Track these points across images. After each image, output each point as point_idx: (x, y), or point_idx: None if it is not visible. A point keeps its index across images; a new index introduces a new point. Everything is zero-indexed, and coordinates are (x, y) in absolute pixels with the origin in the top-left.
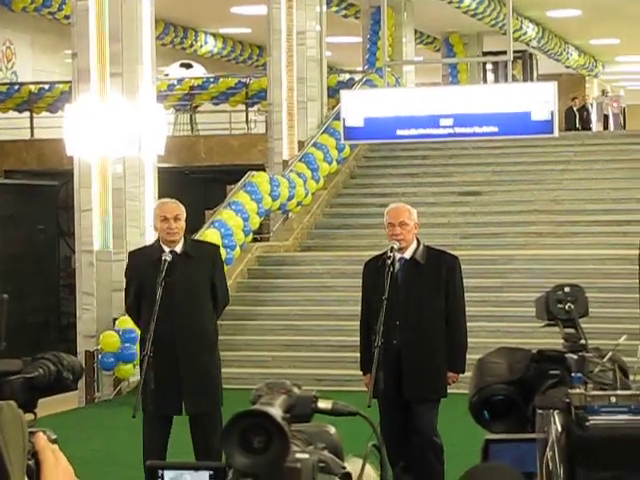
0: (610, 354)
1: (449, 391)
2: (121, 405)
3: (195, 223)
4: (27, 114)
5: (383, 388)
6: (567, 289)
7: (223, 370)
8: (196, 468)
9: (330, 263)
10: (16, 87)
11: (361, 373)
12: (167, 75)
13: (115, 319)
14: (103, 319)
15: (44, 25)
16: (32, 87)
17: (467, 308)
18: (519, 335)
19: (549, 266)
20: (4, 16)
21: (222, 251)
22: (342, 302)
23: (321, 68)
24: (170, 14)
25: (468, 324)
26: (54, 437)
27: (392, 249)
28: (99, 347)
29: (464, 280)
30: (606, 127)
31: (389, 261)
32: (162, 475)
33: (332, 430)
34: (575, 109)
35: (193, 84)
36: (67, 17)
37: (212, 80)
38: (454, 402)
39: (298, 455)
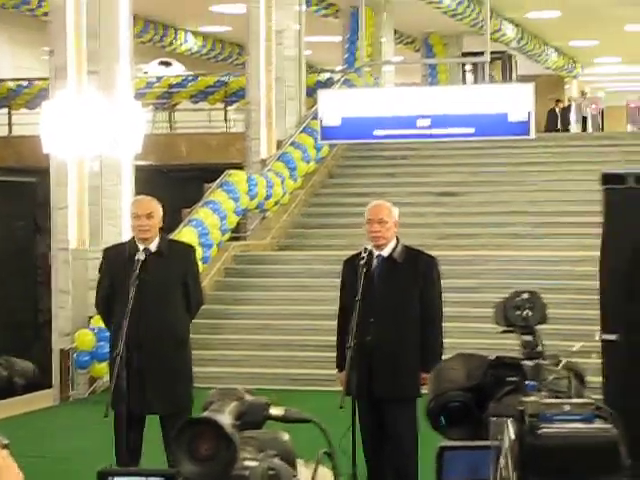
0: (564, 361)
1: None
2: (95, 404)
3: (173, 221)
4: (5, 110)
5: (356, 387)
6: (525, 295)
7: (198, 369)
8: (147, 474)
9: (307, 262)
10: None
11: (334, 372)
12: (146, 73)
13: (90, 317)
14: (78, 317)
15: (23, 21)
16: (11, 84)
17: (443, 308)
18: (494, 336)
19: (525, 267)
20: None
21: (199, 250)
22: (318, 302)
23: (300, 67)
24: (150, 11)
25: (444, 324)
26: (5, 442)
27: (365, 250)
28: (74, 345)
29: (441, 281)
30: (585, 128)
31: (362, 262)
32: None
33: (285, 437)
34: (557, 111)
35: (172, 82)
36: (46, 14)
37: (191, 78)
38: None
39: (247, 463)
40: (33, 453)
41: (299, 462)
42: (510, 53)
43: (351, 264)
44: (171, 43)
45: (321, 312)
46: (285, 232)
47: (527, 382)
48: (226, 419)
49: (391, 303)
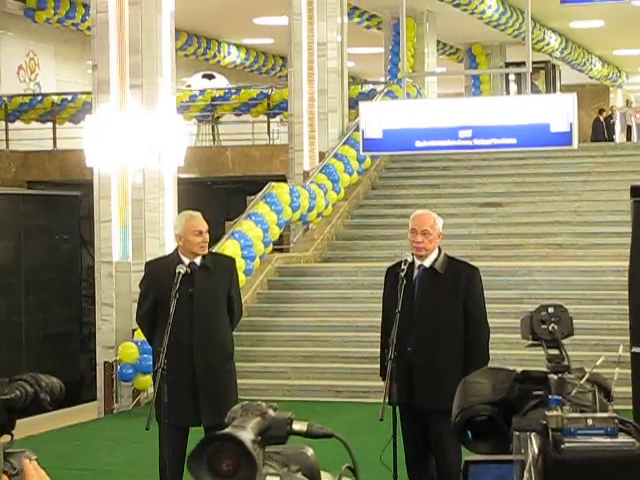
0: (588, 375)
1: None
2: (139, 416)
3: (216, 234)
4: (50, 125)
5: (397, 399)
6: (551, 309)
7: (241, 381)
8: None
9: (350, 274)
10: (39, 98)
11: (380, 384)
12: (189, 86)
13: (134, 330)
14: (122, 330)
15: (67, 36)
16: (55, 98)
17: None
18: (539, 348)
19: (569, 277)
20: (28, 27)
21: (242, 262)
22: (361, 313)
23: (342, 79)
24: (193, 25)
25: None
26: (34, 457)
27: (406, 261)
28: (118, 358)
29: (485, 291)
30: (629, 138)
31: (402, 273)
32: None
33: (309, 452)
34: (602, 119)
35: (215, 95)
36: (90, 28)
37: (234, 91)
38: None
39: (269, 478)
40: (77, 466)
41: (327, 475)
42: (554, 63)
43: (393, 274)
44: (214, 56)
45: (364, 324)
46: (328, 244)
47: (551, 396)
48: (248, 435)
49: (431, 314)
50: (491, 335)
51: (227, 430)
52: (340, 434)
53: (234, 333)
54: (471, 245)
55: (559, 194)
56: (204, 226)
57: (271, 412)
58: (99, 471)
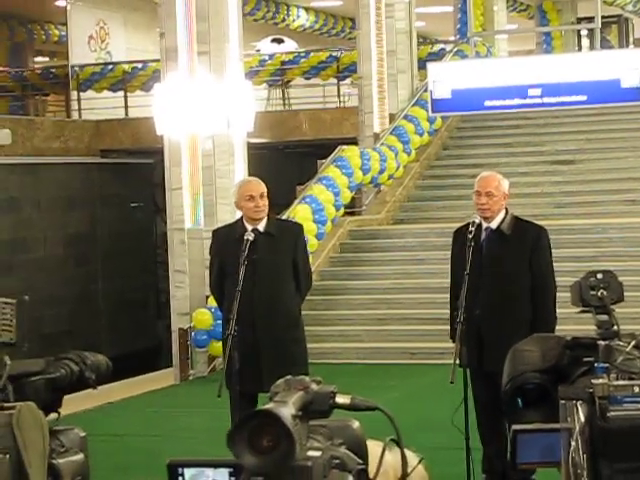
0: (634, 342)
1: None
2: (215, 382)
3: (288, 199)
4: (121, 93)
5: (467, 361)
6: (600, 276)
7: (315, 345)
8: (216, 465)
9: (422, 236)
10: (110, 67)
11: (453, 345)
12: (259, 50)
13: (207, 297)
14: (196, 297)
15: (136, 4)
16: (126, 66)
17: (561, 278)
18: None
19: None
20: None
21: (313, 226)
22: (434, 275)
23: (411, 40)
24: None
25: (561, 295)
26: (83, 435)
27: (473, 223)
28: (192, 325)
29: (558, 250)
30: None
31: (470, 235)
32: (182, 473)
33: (355, 425)
34: None
35: (284, 59)
36: None
37: (303, 55)
38: None
39: (310, 453)
40: (154, 432)
41: (376, 443)
42: (627, 17)
43: (460, 236)
44: (283, 19)
45: (437, 285)
46: (400, 206)
47: (596, 364)
48: (288, 410)
49: (499, 276)
50: (565, 294)
51: (268, 406)
52: (384, 406)
53: (308, 297)
54: (544, 203)
55: (632, 150)
56: (257, 190)
57: (314, 386)
58: (175, 437)
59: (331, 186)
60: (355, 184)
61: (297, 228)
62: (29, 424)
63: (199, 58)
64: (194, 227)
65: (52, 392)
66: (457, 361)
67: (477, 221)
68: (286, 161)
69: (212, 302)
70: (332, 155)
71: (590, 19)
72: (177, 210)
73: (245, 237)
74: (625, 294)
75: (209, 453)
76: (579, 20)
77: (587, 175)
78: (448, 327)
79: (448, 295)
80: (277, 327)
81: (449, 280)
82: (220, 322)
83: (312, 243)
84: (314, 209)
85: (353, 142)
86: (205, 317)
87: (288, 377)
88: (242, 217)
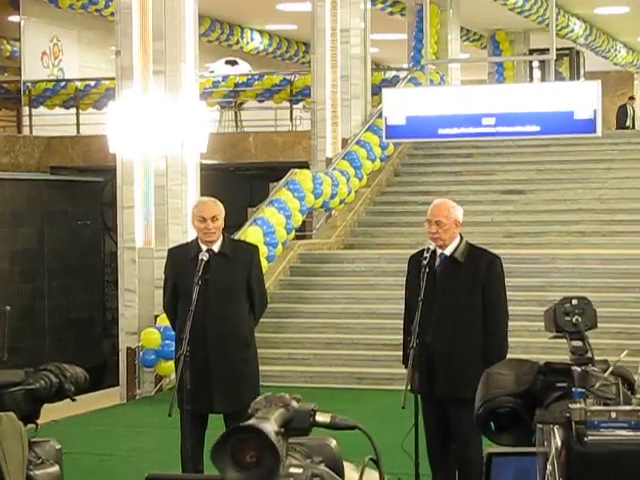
0: (612, 368)
1: None
2: (162, 402)
3: (239, 220)
4: (73, 110)
5: (419, 387)
6: (574, 301)
7: (264, 368)
8: None
9: (372, 261)
10: (62, 83)
11: (402, 371)
12: (212, 72)
13: (157, 316)
14: (145, 316)
15: (91, 22)
16: (78, 83)
17: (510, 307)
18: (563, 338)
19: (593, 266)
20: (51, 13)
21: (264, 249)
22: (384, 300)
23: (365, 66)
24: (216, 11)
25: (510, 323)
26: (58, 447)
27: (428, 250)
28: (140, 344)
29: (507, 279)
30: None
31: (424, 262)
32: None
33: (333, 443)
34: (630, 107)
35: (238, 81)
36: (113, 14)
37: (257, 77)
38: None
39: (292, 470)
40: (99, 451)
41: (350, 466)
42: (578, 49)
43: (415, 262)
44: (237, 42)
45: (386, 311)
46: (351, 231)
47: (574, 389)
48: (271, 426)
49: (451, 303)
50: (513, 323)
51: (251, 422)
52: (363, 426)
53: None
54: (493, 232)
55: (582, 181)
56: (209, 213)
57: (294, 403)
58: (121, 457)
59: (283, 209)
60: (307, 208)
61: (252, 249)
62: (9, 434)
63: (154, 77)
64: (145, 246)
65: (31, 403)
66: (408, 387)
67: (431, 248)
68: (237, 183)
69: (161, 322)
70: (284, 178)
71: (542, 51)
72: (128, 229)
73: (200, 257)
74: None
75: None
76: (531, 52)
77: (537, 205)
78: (396, 353)
79: (397, 321)
80: (228, 348)
81: (398, 306)
82: (169, 342)
83: (263, 265)
84: (265, 231)
85: (305, 166)
86: (154, 337)
87: (268, 394)
88: (197, 237)
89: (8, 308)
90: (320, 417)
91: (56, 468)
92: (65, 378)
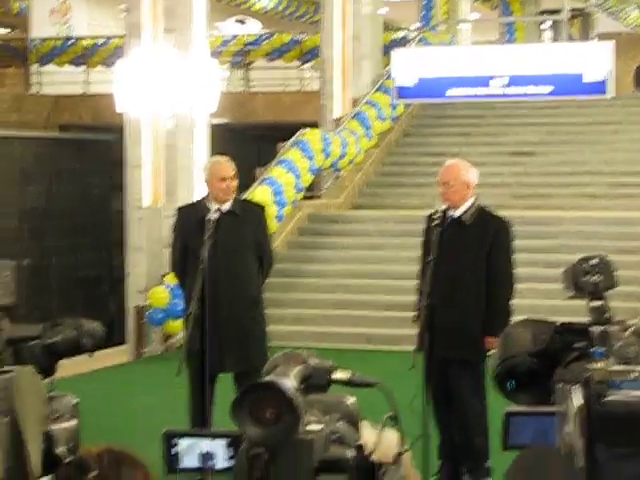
0: (633, 328)
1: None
2: (169, 361)
3: (248, 180)
4: (82, 68)
5: (424, 347)
6: (594, 261)
7: (271, 327)
8: (212, 436)
9: (381, 222)
10: (71, 41)
11: (410, 332)
12: (221, 31)
13: (164, 275)
14: (152, 275)
15: None
16: (87, 41)
17: (517, 269)
18: (580, 298)
19: (600, 228)
20: None
21: (272, 208)
22: (392, 261)
23: (375, 26)
24: None
25: (517, 285)
26: (75, 401)
27: (437, 211)
28: (148, 302)
29: (515, 241)
30: None
31: (434, 223)
32: (177, 443)
33: (350, 400)
34: None
35: (247, 40)
36: None
37: (266, 36)
38: None
39: (311, 427)
40: (106, 409)
41: (366, 424)
42: (589, 11)
43: (429, 221)
44: (246, 1)
45: (394, 271)
46: (359, 191)
47: (594, 349)
48: (290, 383)
49: (455, 265)
50: (520, 285)
51: (270, 378)
52: (382, 383)
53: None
54: (502, 194)
55: (592, 144)
56: (229, 172)
57: (312, 360)
58: (130, 414)
59: (292, 169)
60: (315, 168)
61: (261, 208)
62: (27, 388)
63: (165, 35)
64: (153, 205)
65: (48, 357)
66: (418, 346)
67: (441, 208)
68: (244, 143)
69: (169, 280)
70: (293, 138)
71: (553, 12)
72: (136, 188)
73: (209, 216)
74: None
75: (161, 432)
76: (542, 12)
77: (546, 167)
78: (405, 314)
79: (405, 282)
80: (238, 306)
81: (407, 267)
82: (177, 301)
83: (271, 225)
84: (274, 191)
85: (313, 126)
86: (162, 295)
87: (286, 351)
88: (207, 196)
89: (25, 262)
90: (339, 374)
91: (74, 422)
92: (83, 332)
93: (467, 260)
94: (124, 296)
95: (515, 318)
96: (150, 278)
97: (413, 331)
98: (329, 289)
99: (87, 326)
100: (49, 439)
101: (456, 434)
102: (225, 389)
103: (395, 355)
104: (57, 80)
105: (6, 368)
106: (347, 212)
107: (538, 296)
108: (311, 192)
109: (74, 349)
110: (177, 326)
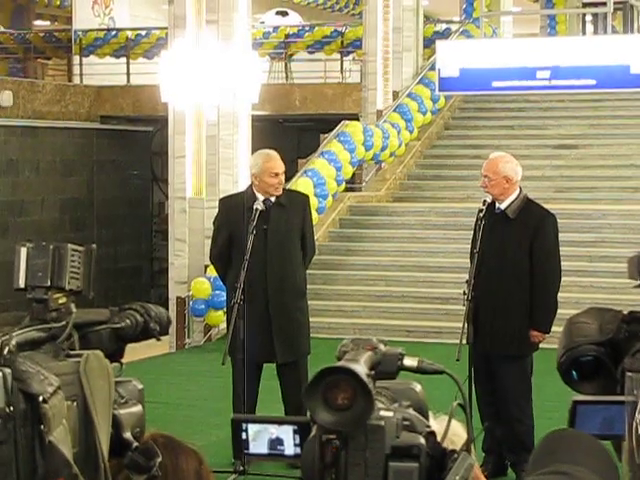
0: None
1: (544, 346)
2: (211, 352)
3: (288, 171)
4: (123, 60)
5: (469, 340)
6: None
7: (312, 319)
8: (280, 422)
9: (422, 214)
10: (113, 33)
11: (451, 324)
12: (263, 23)
13: (207, 266)
14: (195, 266)
15: None
16: (129, 33)
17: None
18: (611, 291)
19: None
20: None
21: (314, 200)
22: (433, 254)
23: (417, 18)
24: None
25: (562, 279)
26: (140, 387)
27: (484, 202)
28: (190, 293)
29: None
30: None
31: (480, 214)
32: (246, 428)
33: (418, 388)
34: None
35: (288, 32)
36: None
37: (307, 28)
38: (549, 356)
39: (382, 413)
40: (150, 399)
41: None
42: (632, 4)
43: (478, 214)
44: None
45: (435, 264)
46: (400, 183)
47: None
48: (362, 369)
49: (497, 258)
50: (564, 278)
51: (341, 363)
52: (450, 370)
53: (307, 271)
54: (544, 187)
55: (635, 137)
56: (281, 168)
57: (382, 347)
58: (171, 404)
59: (333, 160)
60: (357, 160)
61: (305, 198)
62: (96, 372)
63: (207, 26)
64: (195, 196)
65: (116, 342)
66: (463, 339)
67: (488, 200)
68: (286, 134)
69: (211, 271)
70: (335, 130)
71: (595, 5)
72: (179, 179)
73: (255, 206)
74: (622, 281)
75: (210, 422)
76: (585, 5)
77: (589, 160)
78: (445, 306)
79: (446, 275)
80: (287, 296)
81: (448, 260)
82: (219, 292)
83: (313, 217)
84: (315, 183)
85: (354, 118)
86: (204, 286)
87: (355, 337)
88: (251, 186)
89: (94, 246)
90: (408, 361)
91: (139, 407)
92: (150, 317)
93: (511, 253)
94: (166, 287)
95: (560, 312)
96: (192, 269)
97: (454, 324)
98: (370, 281)
99: (154, 311)
100: (116, 423)
101: (500, 427)
102: (270, 379)
103: (436, 347)
104: (99, 71)
105: (75, 352)
106: (388, 204)
107: (581, 291)
108: (352, 184)
109: (142, 334)
110: (219, 317)
